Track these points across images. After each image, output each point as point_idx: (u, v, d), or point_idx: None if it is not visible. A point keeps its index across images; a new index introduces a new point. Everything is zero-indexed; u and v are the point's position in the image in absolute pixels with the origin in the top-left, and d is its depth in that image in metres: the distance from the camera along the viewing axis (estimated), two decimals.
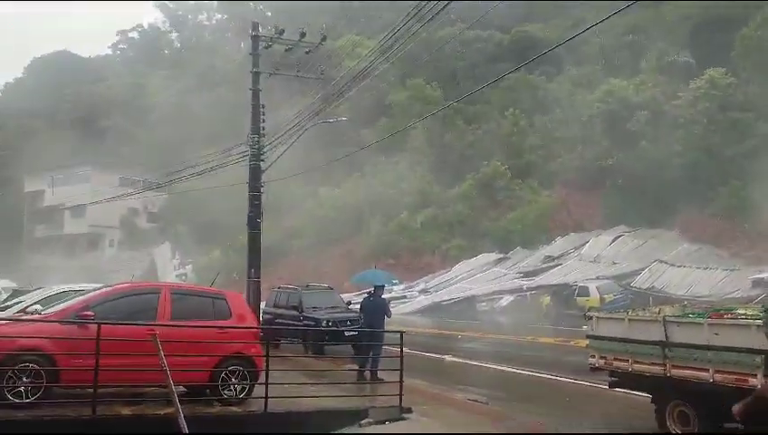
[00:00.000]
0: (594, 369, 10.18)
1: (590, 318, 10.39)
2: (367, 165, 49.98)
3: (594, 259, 34.74)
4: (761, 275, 25.45)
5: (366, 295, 14.82)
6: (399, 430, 9.73)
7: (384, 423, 9.88)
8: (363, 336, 16.14)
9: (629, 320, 9.72)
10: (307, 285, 21.09)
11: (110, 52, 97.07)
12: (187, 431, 7.26)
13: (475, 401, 12.29)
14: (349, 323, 18.02)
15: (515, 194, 42.82)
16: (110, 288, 10.53)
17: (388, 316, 14.52)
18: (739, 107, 34.02)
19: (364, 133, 44.93)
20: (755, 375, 7.69)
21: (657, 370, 8.91)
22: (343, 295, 23.29)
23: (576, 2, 47.18)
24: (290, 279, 32.46)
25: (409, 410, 10.35)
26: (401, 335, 10.88)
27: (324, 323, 17.68)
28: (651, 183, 34.36)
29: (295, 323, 18.41)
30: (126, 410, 8.88)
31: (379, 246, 45.02)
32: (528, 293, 33.47)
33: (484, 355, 18.48)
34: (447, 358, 18.29)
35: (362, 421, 9.78)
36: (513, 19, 52.07)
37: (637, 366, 9.20)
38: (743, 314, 8.96)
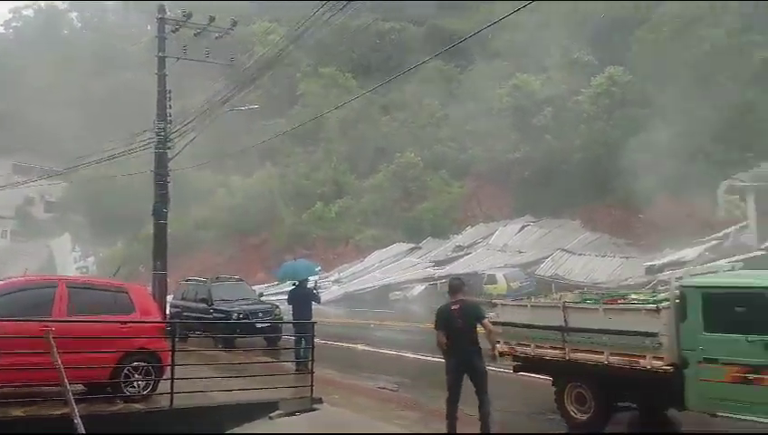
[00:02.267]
0: (501, 354, 10.54)
1: (496, 305, 10.72)
2: (280, 154, 49.38)
3: (502, 248, 35.86)
4: (653, 263, 27.07)
5: (292, 286, 14.69)
6: (309, 420, 9.72)
7: (294, 414, 9.85)
8: (280, 328, 16.19)
9: (532, 306, 10.09)
10: (217, 277, 20.69)
11: (2, 30, 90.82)
12: (84, 431, 6.94)
13: (385, 388, 12.47)
14: (260, 314, 17.87)
15: (427, 185, 43.50)
16: (2, 282, 9.91)
17: (318, 302, 14.50)
18: (636, 103, 35.96)
19: (278, 122, 44.32)
20: (644, 357, 8.18)
21: (557, 353, 9.25)
22: (256, 287, 23.02)
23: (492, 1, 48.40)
24: (200, 271, 31.65)
25: (320, 401, 10.36)
26: (313, 326, 10.89)
27: (235, 316, 17.37)
28: (555, 175, 35.78)
29: (204, 316, 18.00)
30: (19, 411, 8.38)
31: (293, 236, 44.68)
32: (439, 281, 34.12)
33: (395, 343, 18.72)
34: (360, 347, 18.43)
35: (272, 414, 9.71)
36: (428, 11, 52.67)
37: (539, 350, 9.56)
38: (634, 300, 9.50)
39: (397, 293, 34.94)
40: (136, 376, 9.53)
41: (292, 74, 50.00)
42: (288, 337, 16.36)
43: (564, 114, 37.50)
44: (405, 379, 13.35)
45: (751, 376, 7.28)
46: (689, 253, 26.30)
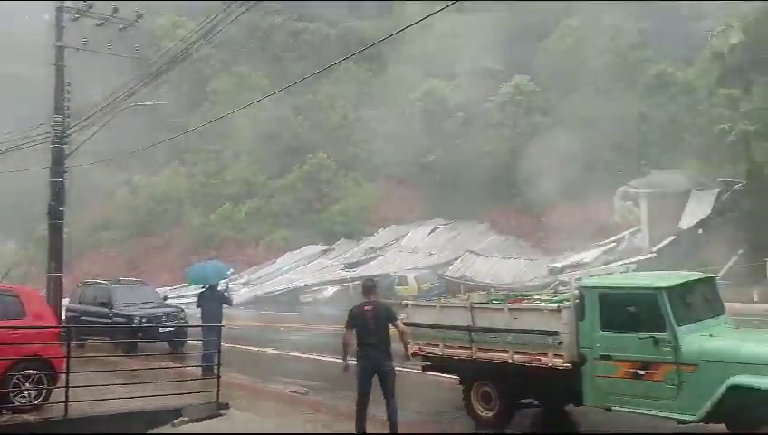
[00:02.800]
0: (413, 355, 10.52)
1: (407, 306, 10.75)
2: (188, 153, 47.94)
3: (413, 250, 36.37)
4: (555, 264, 28.30)
5: (202, 288, 14.25)
6: (215, 426, 9.46)
7: (200, 421, 9.56)
8: (185, 332, 15.74)
9: (441, 307, 10.16)
10: (118, 280, 19.83)
11: None
12: None
13: (295, 392, 12.32)
14: (165, 318, 17.26)
15: (340, 186, 43.52)
16: None
17: (229, 304, 14.20)
18: (540, 112, 37.50)
19: (186, 119, 43.00)
20: (546, 355, 8.44)
21: (464, 353, 9.40)
22: (160, 290, 22.27)
23: (404, 1, 49.03)
24: (99, 274, 30.23)
25: (226, 406, 10.10)
26: (219, 329, 10.61)
27: (137, 320, 16.68)
28: (465, 179, 36.70)
29: (104, 320, 17.17)
30: None
31: (201, 237, 43.52)
32: (351, 283, 34.17)
33: (306, 346, 18.54)
34: (269, 350, 18.16)
35: (176, 420, 9.37)
36: (341, 13, 52.69)
37: (447, 351, 9.66)
38: (537, 300, 9.83)
39: (307, 295, 34.68)
40: (27, 385, 8.96)
41: (201, 71, 48.67)
42: (193, 341, 15.92)
43: (474, 120, 38.54)
44: (315, 382, 13.24)
45: (641, 371, 7.68)
46: (588, 255, 27.67)
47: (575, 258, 27.81)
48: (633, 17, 41.22)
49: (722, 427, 7.40)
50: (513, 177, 34.10)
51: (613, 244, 28.87)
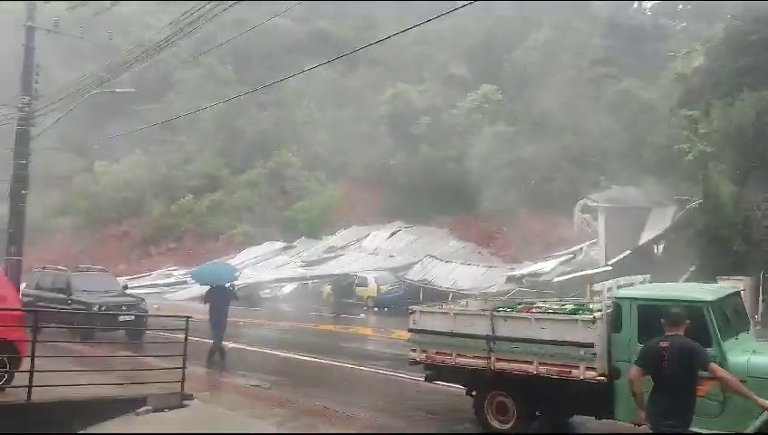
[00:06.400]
0: (414, 363, 10.07)
1: (413, 312, 10.08)
2: (152, 142, 47.21)
3: (373, 251, 36.47)
4: (513, 272, 28.78)
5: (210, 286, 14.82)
6: (179, 417, 9.48)
7: (163, 411, 9.56)
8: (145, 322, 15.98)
9: (455, 314, 9.66)
10: (77, 267, 19.53)
11: None
12: None
13: (257, 386, 12.38)
14: (125, 307, 17.14)
15: (303, 184, 43.46)
16: None
17: (237, 299, 15.24)
18: (505, 121, 38.12)
19: (149, 108, 42.37)
20: (578, 367, 8.19)
21: (480, 363, 9.07)
22: (121, 279, 22.03)
23: (368, 2, 49.36)
24: (54, 260, 29.47)
25: (190, 397, 10.11)
26: (187, 321, 10.57)
27: (96, 308, 16.47)
28: (428, 184, 37.05)
29: (62, 307, 16.89)
30: None
31: (161, 229, 42.94)
32: (310, 281, 34.12)
33: (266, 342, 18.57)
34: (230, 345, 18.06)
35: (140, 409, 9.36)
36: (308, 11, 52.65)
37: (460, 359, 9.31)
38: (544, 308, 9.48)
39: (267, 291, 34.48)
40: None
41: (167, 60, 47.99)
42: (151, 332, 15.92)
43: (439, 126, 38.96)
44: (278, 377, 13.33)
45: None
46: (546, 265, 28.17)
47: (533, 268, 28.30)
48: (599, 34, 42.45)
49: None
50: (477, 184, 34.59)
51: (570, 255, 29.48)
